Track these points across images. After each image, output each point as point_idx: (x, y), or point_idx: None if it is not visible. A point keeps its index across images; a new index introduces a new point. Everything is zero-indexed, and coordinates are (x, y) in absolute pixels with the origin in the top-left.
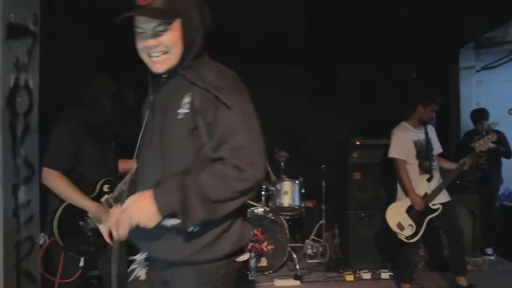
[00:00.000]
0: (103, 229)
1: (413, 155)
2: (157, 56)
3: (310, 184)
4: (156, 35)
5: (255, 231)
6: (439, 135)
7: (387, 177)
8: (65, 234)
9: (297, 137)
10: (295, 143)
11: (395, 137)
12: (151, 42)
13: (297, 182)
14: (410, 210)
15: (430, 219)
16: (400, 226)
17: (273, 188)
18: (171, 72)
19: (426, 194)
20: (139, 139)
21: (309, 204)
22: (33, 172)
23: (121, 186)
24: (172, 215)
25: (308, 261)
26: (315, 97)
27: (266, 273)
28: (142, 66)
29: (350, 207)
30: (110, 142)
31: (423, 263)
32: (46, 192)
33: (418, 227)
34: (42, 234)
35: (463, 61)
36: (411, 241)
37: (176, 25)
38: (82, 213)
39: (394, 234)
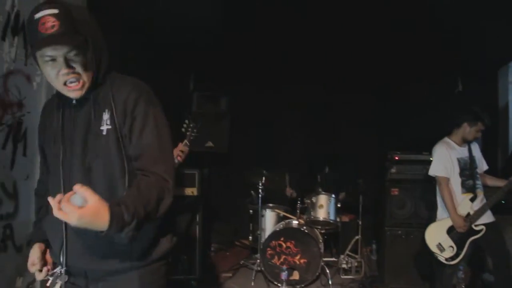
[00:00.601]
0: None
1: (456, 173)
2: (73, 82)
3: (347, 198)
4: (69, 61)
5: (288, 244)
6: (486, 152)
7: (427, 195)
8: None
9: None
10: (335, 157)
11: (437, 153)
12: (65, 69)
13: (333, 196)
14: (451, 231)
15: (473, 241)
16: (440, 247)
17: (309, 201)
18: (86, 93)
19: (468, 215)
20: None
21: (345, 218)
22: None
23: None
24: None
25: (342, 276)
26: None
27: (298, 286)
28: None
29: (387, 223)
30: None
31: (463, 286)
32: None
33: (459, 249)
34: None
35: None
36: (451, 263)
37: (85, 47)
38: None
39: (433, 254)
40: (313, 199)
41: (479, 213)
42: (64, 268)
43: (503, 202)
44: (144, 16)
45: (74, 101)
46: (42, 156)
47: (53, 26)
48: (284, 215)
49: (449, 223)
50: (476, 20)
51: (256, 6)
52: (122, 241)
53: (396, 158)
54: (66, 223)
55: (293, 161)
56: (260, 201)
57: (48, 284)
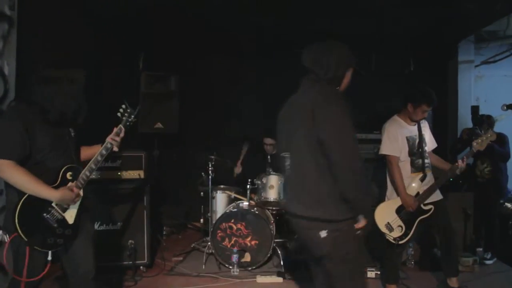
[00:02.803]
0: (70, 216)
1: (405, 152)
2: None
3: None
4: None
5: (239, 225)
6: (436, 131)
7: (378, 174)
8: (28, 228)
9: None
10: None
11: (386, 132)
12: None
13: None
14: (400, 210)
15: (421, 220)
16: (388, 226)
17: (259, 182)
18: None
19: (418, 194)
20: None
21: None
22: None
23: (85, 172)
24: None
25: (295, 258)
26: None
27: (250, 268)
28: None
29: None
30: (68, 129)
31: (413, 262)
32: (5, 186)
33: (408, 228)
34: (1, 231)
35: (463, 55)
36: (400, 243)
37: None
38: (44, 204)
39: (382, 234)
40: (264, 180)
41: (428, 192)
42: None
43: (451, 179)
44: None
45: None
46: None
47: None
48: (235, 197)
49: (398, 202)
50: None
51: None
52: None
53: None
54: None
55: (243, 141)
56: (210, 182)
57: None
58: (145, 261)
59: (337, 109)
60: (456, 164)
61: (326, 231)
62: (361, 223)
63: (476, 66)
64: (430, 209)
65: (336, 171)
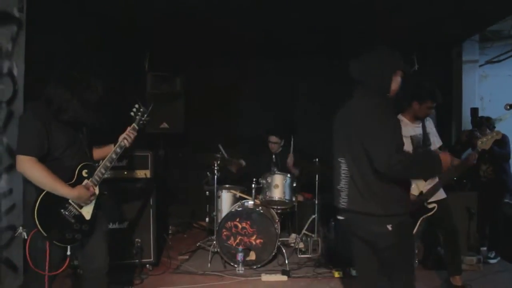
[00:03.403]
0: (87, 212)
1: (409, 151)
2: None
3: (304, 177)
4: None
5: (244, 224)
6: (440, 130)
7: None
8: (47, 224)
9: (291, 130)
10: (289, 136)
11: None
12: None
13: (288, 175)
14: None
15: (424, 219)
16: None
17: (264, 181)
18: None
19: (421, 193)
20: None
21: (300, 198)
22: (15, 160)
23: (100, 169)
24: None
25: (299, 256)
26: (315, 90)
27: (254, 267)
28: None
29: None
30: (82, 128)
31: (417, 261)
32: (23, 183)
33: None
34: (21, 227)
35: (467, 54)
36: None
37: None
38: (62, 201)
39: None
40: (268, 179)
41: (432, 191)
42: None
43: (455, 179)
44: None
45: None
46: None
47: None
48: (240, 196)
49: None
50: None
51: None
52: None
53: None
54: None
55: (249, 141)
56: (215, 182)
57: None
58: (151, 259)
59: (376, 122)
60: (463, 159)
61: (391, 225)
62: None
63: (481, 65)
64: (433, 208)
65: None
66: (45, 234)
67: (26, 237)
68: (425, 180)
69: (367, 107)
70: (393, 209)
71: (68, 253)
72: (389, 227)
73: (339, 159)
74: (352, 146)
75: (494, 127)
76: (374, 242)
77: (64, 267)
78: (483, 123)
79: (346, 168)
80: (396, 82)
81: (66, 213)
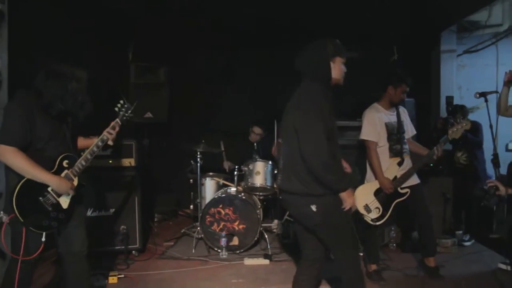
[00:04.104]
0: (64, 201)
1: (384, 137)
2: None
3: None
4: None
5: (227, 210)
6: (419, 119)
7: (361, 159)
8: (24, 210)
9: (272, 117)
10: (271, 123)
11: (366, 118)
12: None
13: (270, 162)
14: (378, 193)
15: (398, 203)
16: (367, 208)
17: (246, 169)
18: None
19: (395, 178)
20: None
21: None
22: None
23: (81, 161)
24: None
25: (282, 241)
26: (290, 78)
27: (238, 252)
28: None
29: None
30: (65, 118)
31: (394, 245)
32: (5, 170)
33: (385, 210)
34: (1, 211)
35: (445, 44)
36: (376, 223)
37: None
38: (41, 189)
39: (360, 216)
40: (250, 166)
41: (405, 177)
42: None
43: (431, 165)
44: None
45: None
46: None
47: None
48: (223, 183)
49: (376, 185)
50: None
51: None
52: None
53: None
54: None
55: (231, 129)
56: (199, 170)
57: None
58: (137, 245)
59: (308, 108)
60: (434, 149)
61: (315, 205)
62: (345, 202)
63: (458, 55)
64: (406, 193)
65: (304, 158)
66: (22, 220)
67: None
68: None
69: (301, 94)
70: (314, 189)
71: (43, 239)
72: (313, 207)
73: (281, 141)
74: (287, 130)
75: (467, 117)
76: (303, 221)
77: (37, 252)
78: (457, 111)
79: (284, 151)
80: (337, 70)
81: (44, 200)
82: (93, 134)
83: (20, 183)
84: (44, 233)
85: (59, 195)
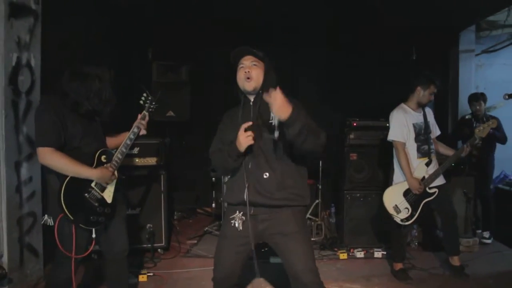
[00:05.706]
0: (108, 196)
1: (411, 138)
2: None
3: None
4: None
5: None
6: (437, 119)
7: (383, 159)
8: (73, 208)
9: None
10: None
11: (394, 119)
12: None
13: None
14: (407, 193)
15: (426, 202)
16: (396, 208)
17: None
18: None
19: (423, 178)
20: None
21: None
22: (35, 149)
23: (117, 155)
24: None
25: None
26: (315, 78)
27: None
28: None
29: (346, 187)
30: (94, 116)
31: (416, 243)
32: (45, 173)
33: (414, 210)
34: (45, 215)
35: (463, 44)
36: (406, 223)
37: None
38: (85, 185)
39: (389, 216)
40: None
41: (433, 176)
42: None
43: (453, 164)
44: None
45: None
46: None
47: None
48: None
49: (405, 186)
50: None
51: None
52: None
53: (354, 124)
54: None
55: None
56: None
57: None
58: (163, 244)
59: None
60: (462, 147)
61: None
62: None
63: (477, 55)
64: (434, 192)
65: None
66: (72, 218)
67: (51, 224)
68: None
69: None
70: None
71: (94, 235)
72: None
73: None
74: None
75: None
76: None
77: (90, 249)
78: (479, 98)
79: None
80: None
81: (90, 197)
82: (118, 132)
83: (65, 183)
84: (94, 229)
85: (103, 190)
